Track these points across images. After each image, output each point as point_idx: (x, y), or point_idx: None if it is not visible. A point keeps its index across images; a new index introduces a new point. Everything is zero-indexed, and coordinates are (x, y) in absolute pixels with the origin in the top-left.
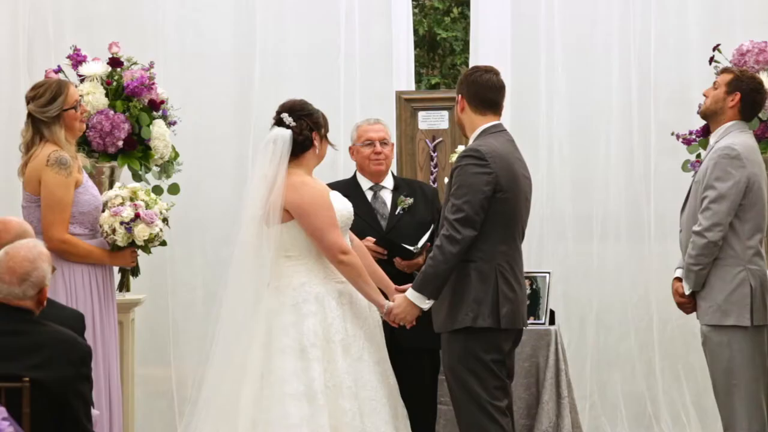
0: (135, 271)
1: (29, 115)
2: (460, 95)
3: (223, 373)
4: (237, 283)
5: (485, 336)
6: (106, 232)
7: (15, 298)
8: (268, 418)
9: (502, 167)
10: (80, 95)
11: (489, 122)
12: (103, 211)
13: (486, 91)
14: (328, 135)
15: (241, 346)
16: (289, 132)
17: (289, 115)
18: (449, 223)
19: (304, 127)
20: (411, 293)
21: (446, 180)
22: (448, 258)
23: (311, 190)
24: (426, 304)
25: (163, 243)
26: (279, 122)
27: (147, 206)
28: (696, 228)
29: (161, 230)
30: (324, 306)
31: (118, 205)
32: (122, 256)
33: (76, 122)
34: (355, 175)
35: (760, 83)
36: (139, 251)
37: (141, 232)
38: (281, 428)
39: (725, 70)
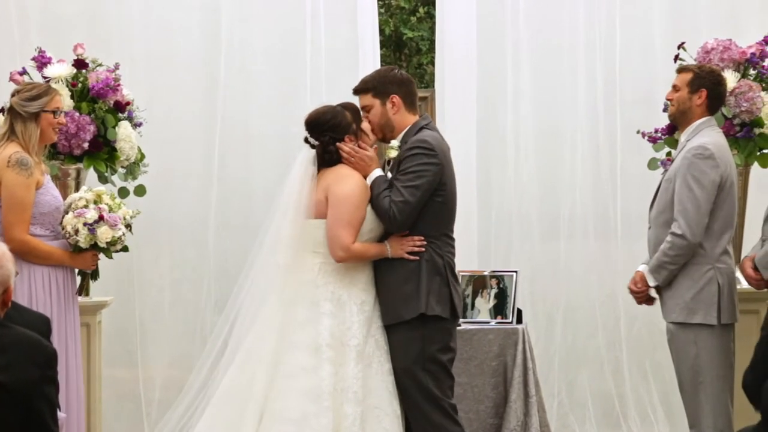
0: (94, 275)
1: (10, 108)
2: (394, 96)
3: (240, 360)
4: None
5: (438, 327)
6: (69, 233)
7: None
8: (272, 409)
9: (445, 160)
10: (64, 110)
11: (415, 119)
12: (66, 213)
13: (415, 89)
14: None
15: (257, 336)
16: (312, 152)
17: (311, 134)
18: (393, 204)
19: (328, 142)
20: (373, 174)
21: (388, 175)
22: (386, 213)
23: (353, 184)
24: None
25: (125, 249)
26: (306, 141)
27: (111, 210)
28: (677, 230)
29: (124, 234)
30: (344, 309)
31: (82, 207)
32: (83, 258)
33: (50, 128)
34: None
35: (720, 74)
36: (101, 255)
37: (104, 234)
38: (282, 421)
39: (682, 70)
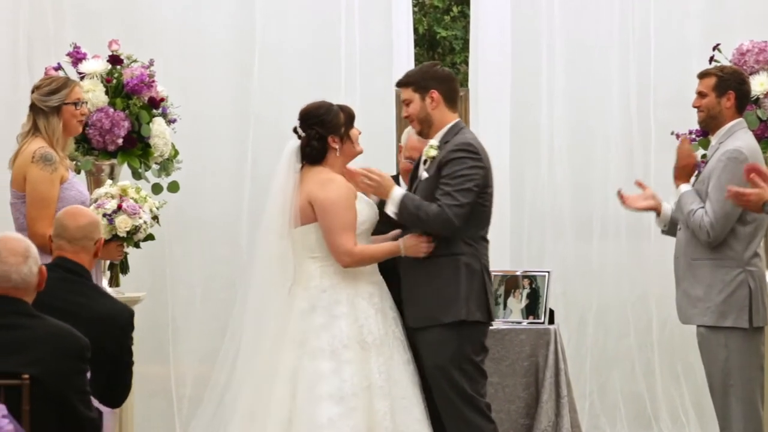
0: (123, 268)
1: (31, 105)
2: (433, 91)
3: (252, 376)
4: (262, 290)
5: (476, 330)
6: None
7: (24, 283)
8: (300, 420)
9: (487, 163)
10: (85, 101)
11: (455, 119)
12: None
13: (456, 87)
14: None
15: (271, 348)
16: (296, 143)
17: (300, 125)
18: (447, 208)
19: (313, 136)
20: (397, 196)
21: (424, 174)
22: (433, 227)
23: (337, 188)
24: (392, 209)
25: (150, 237)
26: (295, 130)
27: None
28: (710, 231)
29: (146, 222)
30: (355, 307)
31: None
32: (107, 250)
33: (73, 120)
34: (398, 175)
35: (742, 72)
36: (130, 247)
37: (122, 223)
38: (308, 429)
39: (704, 75)
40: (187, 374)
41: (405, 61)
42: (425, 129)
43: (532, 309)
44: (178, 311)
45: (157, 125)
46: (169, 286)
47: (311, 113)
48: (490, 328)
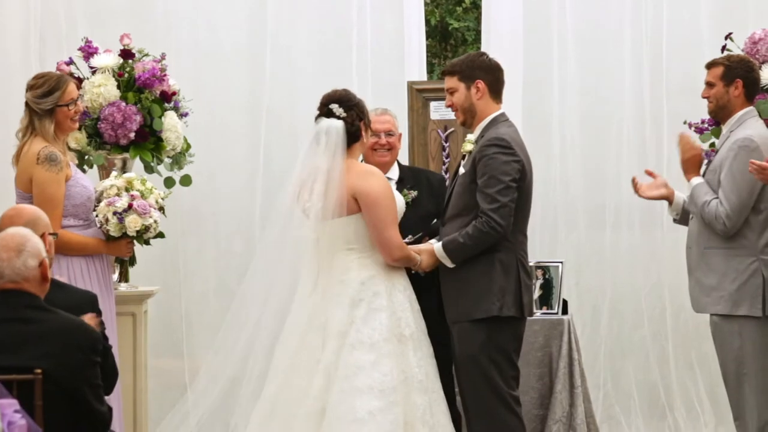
0: (132, 261)
1: (26, 103)
2: (479, 81)
3: (283, 369)
4: (289, 279)
5: (509, 325)
6: (101, 221)
7: (19, 277)
8: (336, 413)
9: (523, 156)
10: (79, 95)
11: (498, 110)
12: (99, 200)
13: (502, 77)
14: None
15: (301, 341)
16: (341, 123)
17: (340, 106)
18: (491, 212)
19: (355, 117)
20: (439, 250)
21: (461, 170)
22: (486, 241)
23: (380, 180)
24: (450, 264)
25: (160, 235)
26: (328, 113)
27: (142, 195)
28: (726, 221)
29: (156, 222)
30: (393, 300)
31: (113, 196)
32: (117, 246)
33: (67, 120)
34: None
35: (749, 60)
36: (138, 243)
37: (132, 222)
38: (347, 422)
39: (712, 65)
40: (202, 367)
41: (417, 52)
42: (468, 119)
43: (545, 299)
44: (191, 305)
45: (169, 119)
46: (182, 280)
47: (345, 97)
48: None
